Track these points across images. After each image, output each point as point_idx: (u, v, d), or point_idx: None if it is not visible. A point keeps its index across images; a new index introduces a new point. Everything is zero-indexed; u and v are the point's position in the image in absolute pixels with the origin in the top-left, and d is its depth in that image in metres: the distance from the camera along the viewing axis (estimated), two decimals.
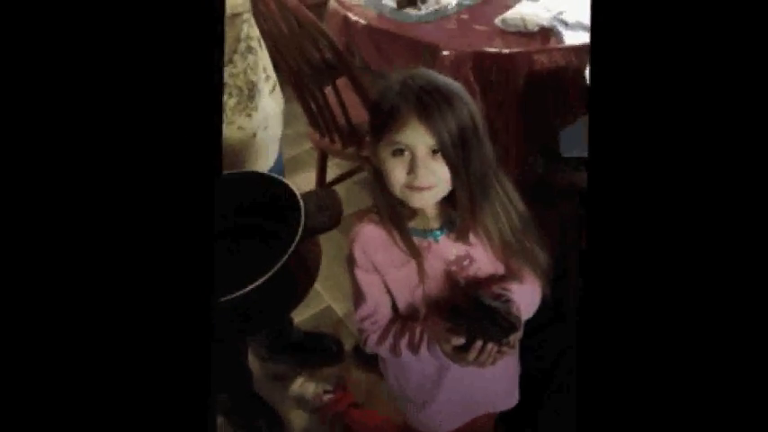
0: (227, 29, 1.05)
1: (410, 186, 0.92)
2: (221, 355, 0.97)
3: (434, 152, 0.91)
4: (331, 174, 2.30)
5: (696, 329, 0.46)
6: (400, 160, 0.92)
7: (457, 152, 0.90)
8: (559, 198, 1.65)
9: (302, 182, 2.31)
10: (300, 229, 0.97)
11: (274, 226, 1.04)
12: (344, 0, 1.98)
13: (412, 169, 0.91)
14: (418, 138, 0.90)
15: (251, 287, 0.89)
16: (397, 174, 0.92)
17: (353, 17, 1.89)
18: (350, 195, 2.17)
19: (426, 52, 1.66)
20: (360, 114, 1.89)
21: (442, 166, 0.91)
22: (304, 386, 1.63)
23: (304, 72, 1.83)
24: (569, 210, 1.64)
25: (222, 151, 1.10)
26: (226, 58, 1.06)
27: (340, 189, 2.35)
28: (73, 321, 0.42)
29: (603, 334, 0.48)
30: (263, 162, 1.25)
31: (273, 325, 1.56)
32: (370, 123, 0.96)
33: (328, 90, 1.89)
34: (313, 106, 1.95)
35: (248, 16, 1.11)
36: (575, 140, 1.74)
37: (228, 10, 1.05)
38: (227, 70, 1.07)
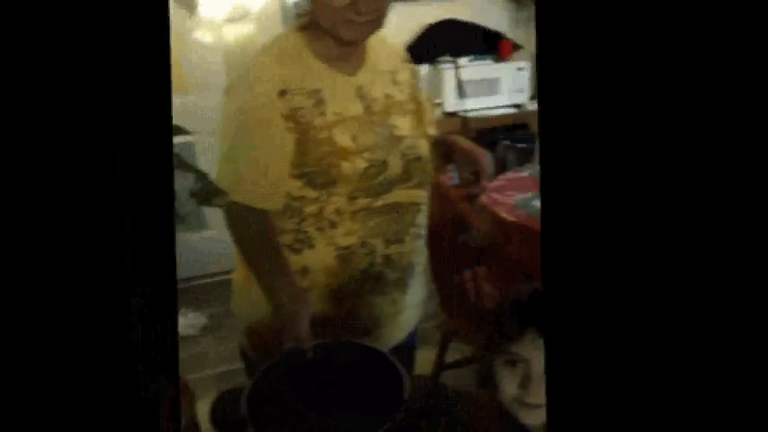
0: (404, 214, 1.16)
1: (521, 402, 0.90)
2: None
3: None
4: (450, 356, 2.31)
5: None
6: (513, 371, 0.90)
7: None
8: None
9: (421, 358, 2.33)
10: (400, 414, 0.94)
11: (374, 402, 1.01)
12: (496, 197, 2.10)
13: (524, 384, 0.89)
14: (535, 353, 0.88)
15: None
16: (509, 386, 0.90)
17: (503, 214, 2.00)
18: (469, 382, 2.15)
19: None
20: (494, 305, 1.93)
21: None
22: None
23: (449, 255, 1.93)
24: None
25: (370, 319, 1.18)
26: (396, 237, 1.16)
27: (458, 373, 2.34)
28: None
29: None
30: (400, 333, 1.30)
31: None
32: (492, 327, 0.95)
33: (466, 275, 1.97)
34: (449, 288, 2.03)
35: (425, 207, 1.22)
36: None
37: (408, 198, 1.16)
38: (396, 248, 1.16)
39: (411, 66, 1.28)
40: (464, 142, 1.29)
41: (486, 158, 1.22)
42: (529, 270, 1.85)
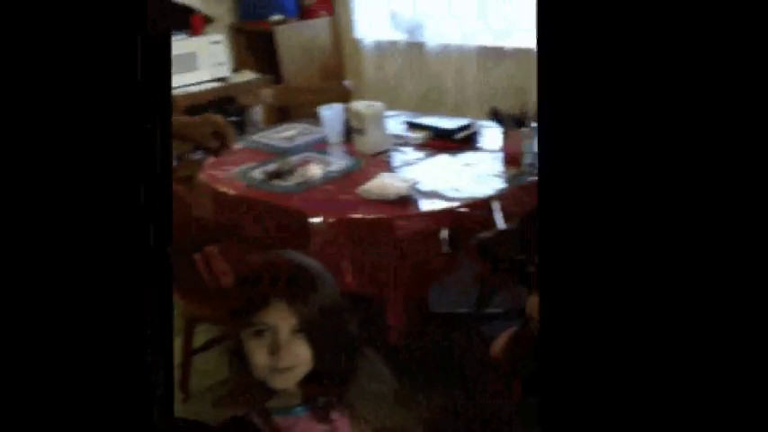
0: None
1: (272, 368, 0.92)
2: None
3: (296, 333, 0.92)
4: (199, 340, 2.26)
5: None
6: (262, 341, 0.92)
7: (319, 332, 0.93)
8: None
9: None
10: None
11: None
12: (213, 173, 2.07)
13: (274, 350, 0.91)
14: (281, 319, 0.91)
15: None
16: (259, 356, 0.92)
17: (222, 189, 1.98)
18: (221, 363, 2.13)
19: (296, 220, 1.77)
20: (229, 281, 1.93)
21: (303, 347, 0.93)
22: None
23: (176, 242, 1.86)
24: None
25: None
26: None
27: (211, 356, 2.31)
28: None
29: None
30: None
31: None
32: (234, 303, 0.97)
33: (197, 257, 1.93)
34: (181, 273, 1.96)
35: None
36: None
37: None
38: None
39: None
40: (193, 118, 1.31)
41: (226, 123, 1.27)
42: (258, 239, 1.87)
